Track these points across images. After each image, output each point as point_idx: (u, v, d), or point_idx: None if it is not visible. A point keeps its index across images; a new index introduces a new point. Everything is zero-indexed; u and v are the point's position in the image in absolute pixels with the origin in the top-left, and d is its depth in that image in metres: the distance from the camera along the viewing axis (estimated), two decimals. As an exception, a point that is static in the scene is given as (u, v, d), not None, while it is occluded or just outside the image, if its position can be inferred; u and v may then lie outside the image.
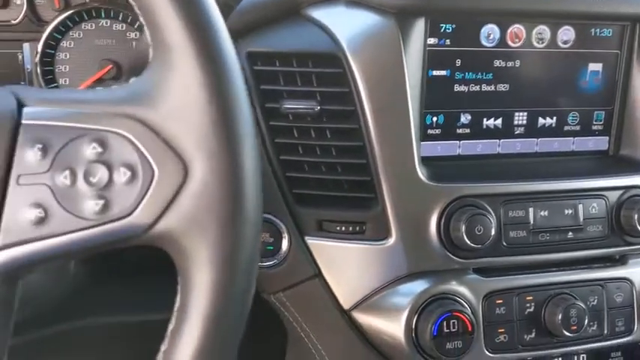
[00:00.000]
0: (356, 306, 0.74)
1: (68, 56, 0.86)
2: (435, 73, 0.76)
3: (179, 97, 0.40)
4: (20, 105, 0.40)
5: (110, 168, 0.40)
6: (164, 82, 0.40)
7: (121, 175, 0.40)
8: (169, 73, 0.40)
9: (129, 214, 0.40)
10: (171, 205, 0.40)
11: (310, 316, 0.75)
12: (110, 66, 0.86)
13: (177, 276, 0.42)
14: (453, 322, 0.70)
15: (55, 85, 0.86)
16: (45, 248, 0.39)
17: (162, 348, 0.41)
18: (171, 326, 0.41)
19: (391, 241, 0.71)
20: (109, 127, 0.40)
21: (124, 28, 0.87)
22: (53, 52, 0.85)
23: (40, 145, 0.39)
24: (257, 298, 0.76)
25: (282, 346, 0.82)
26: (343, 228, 0.73)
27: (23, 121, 0.40)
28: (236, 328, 0.42)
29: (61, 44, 0.86)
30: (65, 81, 0.87)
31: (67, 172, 0.39)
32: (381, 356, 0.74)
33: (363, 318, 0.74)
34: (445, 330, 0.69)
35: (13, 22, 0.83)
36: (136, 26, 0.87)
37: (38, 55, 0.84)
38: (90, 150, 0.40)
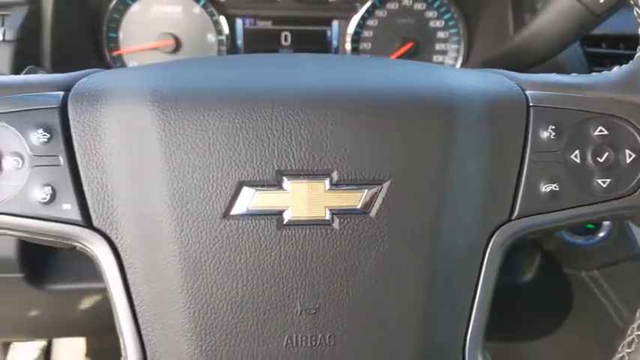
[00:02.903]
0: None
1: (372, 34, 0.92)
2: None
3: None
4: (522, 89, 0.45)
5: (615, 150, 0.43)
6: None
7: (626, 157, 0.43)
8: None
9: (631, 194, 0.43)
10: None
11: (625, 296, 0.77)
12: (411, 43, 0.91)
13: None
14: None
15: (359, 61, 0.92)
16: (555, 219, 0.44)
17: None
18: None
19: None
20: (614, 112, 0.43)
21: (424, 7, 0.92)
22: (360, 30, 0.91)
23: (553, 127, 0.43)
24: (566, 273, 0.80)
25: (588, 320, 0.85)
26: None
27: (531, 104, 0.44)
28: None
29: (368, 22, 0.91)
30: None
31: (577, 152, 0.43)
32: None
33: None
34: None
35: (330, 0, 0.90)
36: (435, 6, 0.91)
37: (349, 36, 0.90)
38: (597, 132, 0.43)
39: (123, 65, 0.89)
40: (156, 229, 0.40)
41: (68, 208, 0.40)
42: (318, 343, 0.41)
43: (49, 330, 0.92)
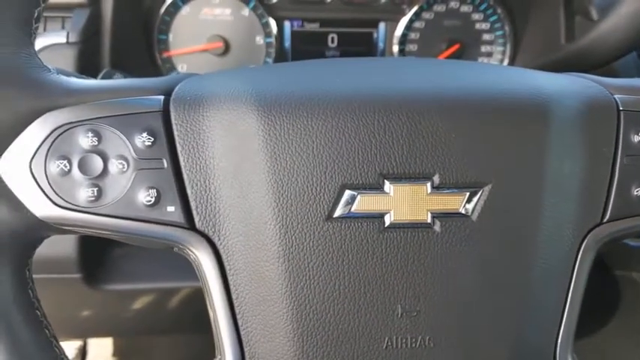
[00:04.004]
0: None
1: (418, 36, 0.92)
2: None
3: None
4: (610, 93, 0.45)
5: None
6: None
7: None
8: None
9: None
10: None
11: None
12: (457, 45, 0.92)
13: None
14: None
15: (406, 62, 0.93)
16: None
17: None
18: None
19: None
20: None
21: (471, 9, 0.92)
22: (407, 31, 0.92)
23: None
24: (616, 274, 0.80)
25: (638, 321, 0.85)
26: None
27: (621, 108, 0.44)
28: None
29: (414, 24, 0.92)
30: (413, 59, 0.93)
31: None
32: None
33: None
34: None
35: (382, 1, 0.90)
36: (481, 8, 0.92)
37: (396, 38, 0.91)
38: None
39: (172, 67, 0.90)
40: (259, 231, 0.41)
41: (172, 210, 0.41)
42: (417, 345, 0.41)
43: (100, 329, 0.93)
